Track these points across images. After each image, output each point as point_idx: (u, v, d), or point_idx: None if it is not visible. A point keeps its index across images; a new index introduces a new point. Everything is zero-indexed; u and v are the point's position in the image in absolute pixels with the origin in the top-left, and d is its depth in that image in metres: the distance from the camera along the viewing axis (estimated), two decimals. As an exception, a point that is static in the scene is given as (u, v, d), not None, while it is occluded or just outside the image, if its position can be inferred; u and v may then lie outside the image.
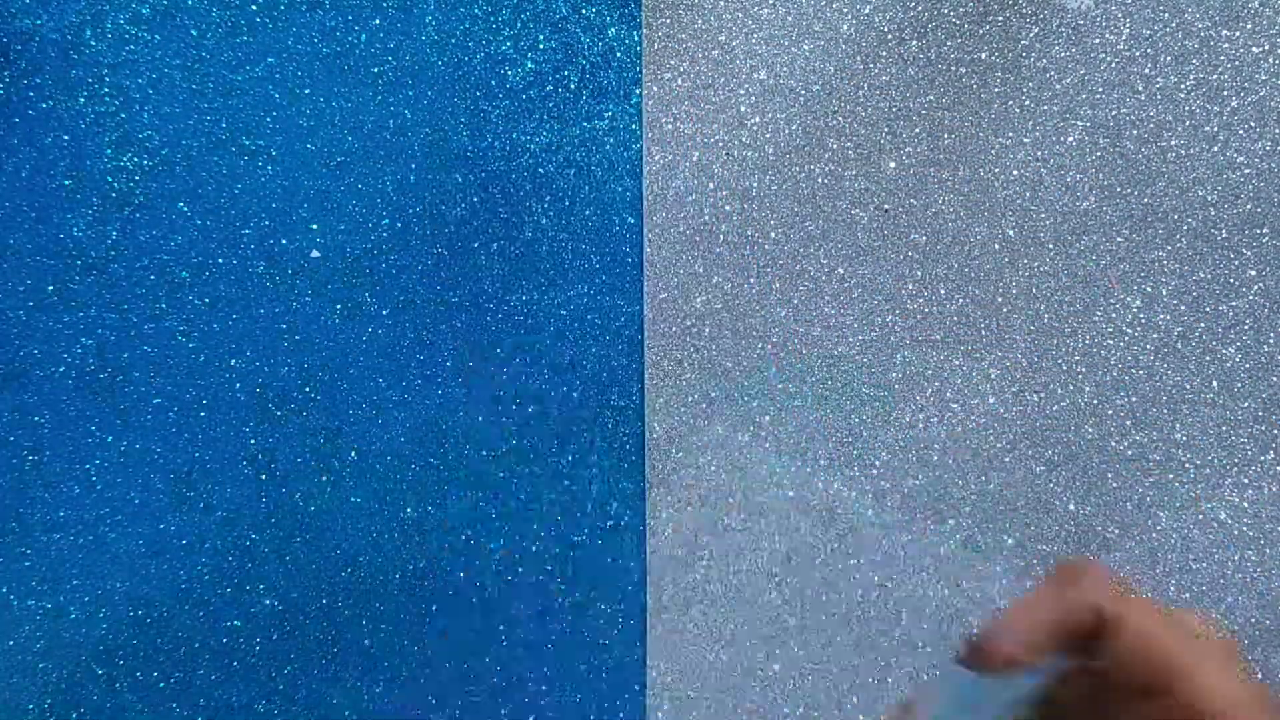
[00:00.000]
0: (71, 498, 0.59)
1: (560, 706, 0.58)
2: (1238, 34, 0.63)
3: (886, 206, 0.61)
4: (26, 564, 0.58)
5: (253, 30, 0.62)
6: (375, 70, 0.62)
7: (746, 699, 0.58)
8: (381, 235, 0.61)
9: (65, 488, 0.59)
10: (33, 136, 0.60)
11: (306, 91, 0.62)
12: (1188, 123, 0.63)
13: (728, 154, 0.62)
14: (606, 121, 0.62)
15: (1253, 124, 0.63)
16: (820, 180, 0.62)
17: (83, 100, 0.61)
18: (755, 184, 0.61)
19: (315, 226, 0.61)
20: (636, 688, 0.58)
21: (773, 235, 0.62)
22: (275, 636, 0.59)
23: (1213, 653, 0.35)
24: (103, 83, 0.61)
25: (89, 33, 0.61)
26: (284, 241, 0.61)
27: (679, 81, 0.62)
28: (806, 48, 0.62)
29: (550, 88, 0.63)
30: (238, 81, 0.61)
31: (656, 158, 0.60)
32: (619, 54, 0.62)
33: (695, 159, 0.61)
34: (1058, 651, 0.40)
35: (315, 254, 0.61)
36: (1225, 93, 0.63)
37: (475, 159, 0.62)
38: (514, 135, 0.62)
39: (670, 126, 0.62)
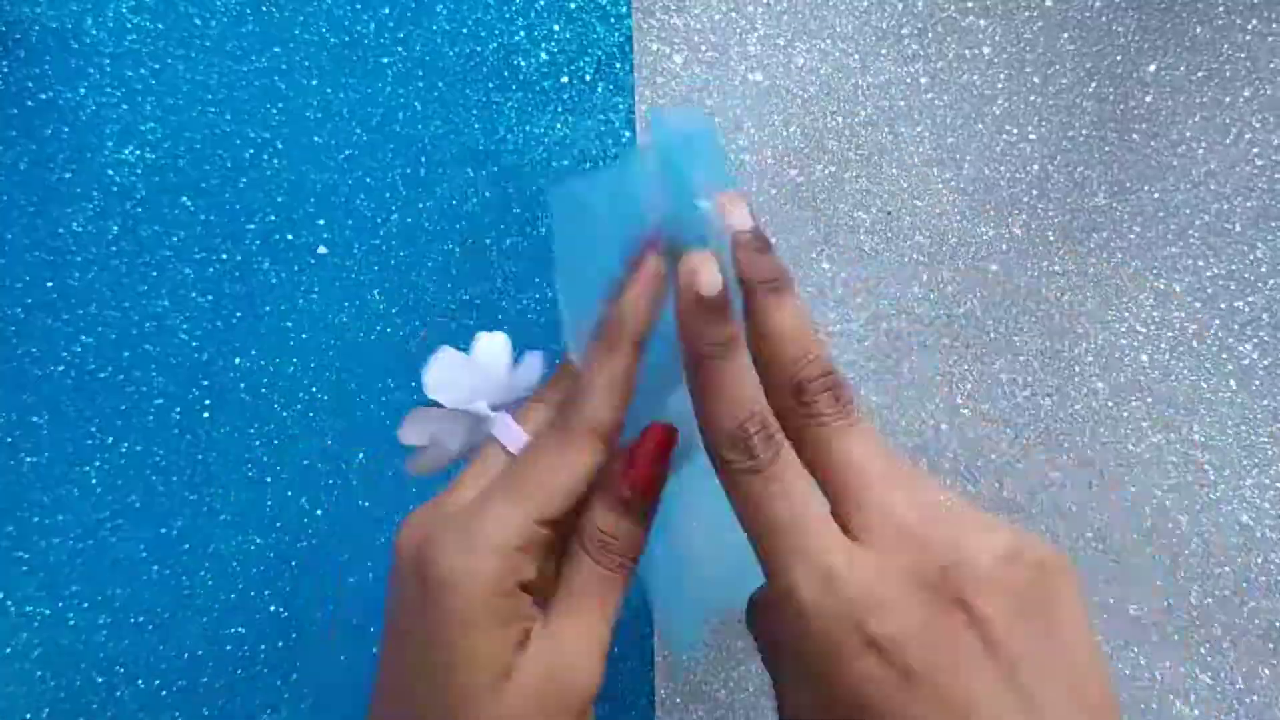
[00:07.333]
0: (70, 500, 0.58)
1: None
2: (1253, 22, 0.63)
3: (889, 208, 0.60)
4: (24, 569, 0.57)
5: (258, 19, 0.61)
6: (385, 61, 0.61)
7: (758, 719, 0.58)
8: (391, 231, 0.60)
9: (64, 490, 0.58)
10: (31, 128, 0.59)
11: (314, 83, 0.61)
12: (1199, 115, 0.62)
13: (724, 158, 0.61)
14: (622, 114, 0.61)
15: (1266, 115, 0.62)
16: (820, 183, 0.61)
17: (83, 91, 0.59)
18: (753, 188, 0.60)
19: (322, 222, 0.60)
20: (644, 702, 0.58)
21: (773, 240, 0.61)
22: (280, 644, 0.58)
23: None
24: (104, 73, 0.60)
25: (90, 21, 0.60)
26: (290, 237, 0.60)
27: (672, 86, 0.61)
28: (802, 48, 0.61)
29: (565, 79, 0.62)
30: (243, 72, 0.60)
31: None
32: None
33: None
34: None
35: (322, 250, 0.60)
36: (1238, 83, 0.63)
37: (487, 152, 0.61)
38: (527, 128, 0.61)
39: (665, 131, 0.61)
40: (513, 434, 0.39)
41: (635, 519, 0.37)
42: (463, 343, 0.60)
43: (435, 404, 0.43)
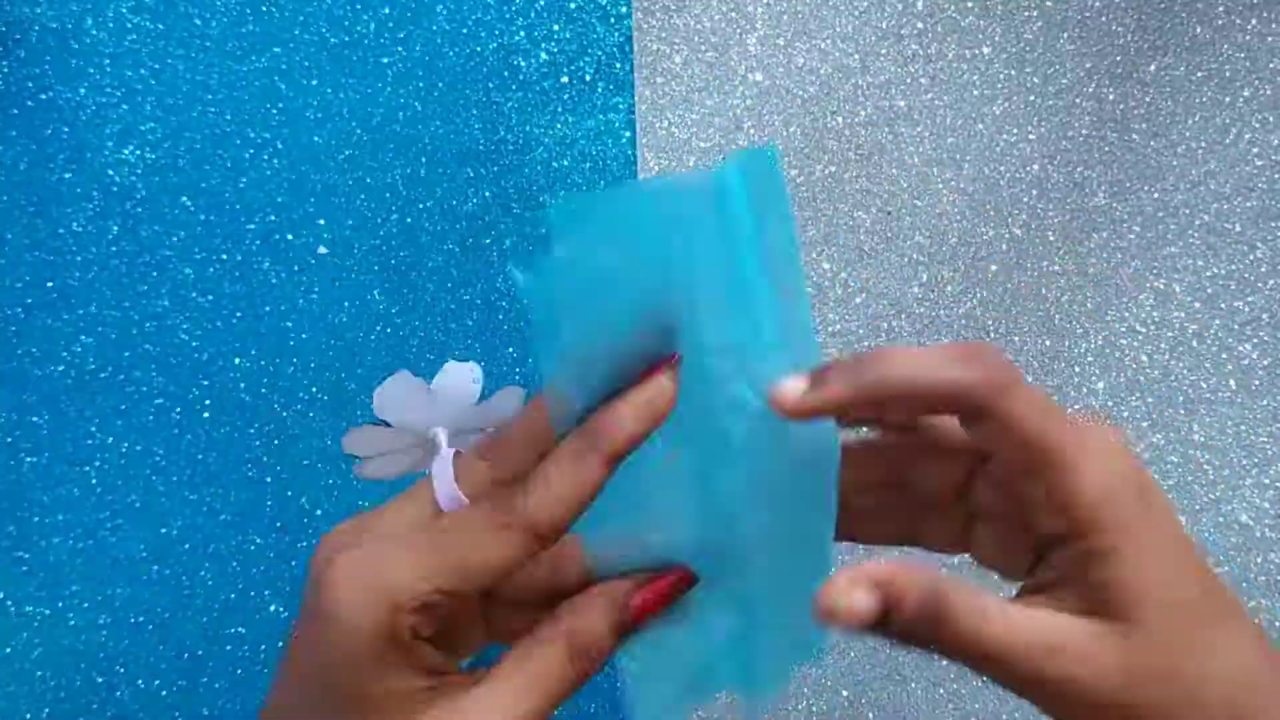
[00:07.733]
0: (71, 500, 0.58)
1: None
2: (1253, 22, 0.63)
3: (889, 208, 0.60)
4: (24, 569, 0.57)
5: (258, 19, 0.61)
6: (385, 61, 0.61)
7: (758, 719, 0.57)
8: (391, 231, 0.60)
9: (64, 490, 0.58)
10: (31, 128, 0.59)
11: (314, 83, 0.61)
12: (1198, 115, 0.62)
13: (725, 159, 0.61)
14: (622, 114, 0.61)
15: (1266, 115, 0.62)
16: (820, 183, 0.61)
17: (83, 91, 0.59)
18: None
19: (322, 222, 0.60)
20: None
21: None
22: (280, 644, 0.58)
23: (1097, 443, 0.30)
24: (104, 73, 0.59)
25: (90, 21, 0.60)
26: (290, 237, 0.60)
27: (672, 86, 0.61)
28: (802, 48, 0.61)
29: (565, 79, 0.62)
30: (243, 72, 0.60)
31: (651, 164, 0.59)
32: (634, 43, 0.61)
33: (691, 165, 0.61)
34: (910, 414, 0.34)
35: (322, 250, 0.60)
36: (1237, 84, 0.63)
37: (487, 152, 0.61)
38: (527, 128, 0.61)
39: (664, 132, 0.61)
40: (444, 485, 0.37)
41: (618, 638, 0.35)
42: (462, 348, 0.60)
43: (385, 423, 0.41)
